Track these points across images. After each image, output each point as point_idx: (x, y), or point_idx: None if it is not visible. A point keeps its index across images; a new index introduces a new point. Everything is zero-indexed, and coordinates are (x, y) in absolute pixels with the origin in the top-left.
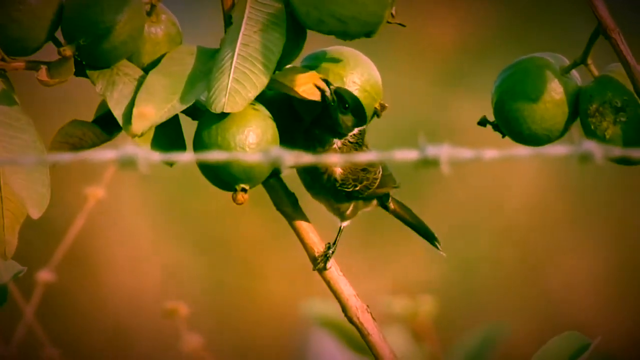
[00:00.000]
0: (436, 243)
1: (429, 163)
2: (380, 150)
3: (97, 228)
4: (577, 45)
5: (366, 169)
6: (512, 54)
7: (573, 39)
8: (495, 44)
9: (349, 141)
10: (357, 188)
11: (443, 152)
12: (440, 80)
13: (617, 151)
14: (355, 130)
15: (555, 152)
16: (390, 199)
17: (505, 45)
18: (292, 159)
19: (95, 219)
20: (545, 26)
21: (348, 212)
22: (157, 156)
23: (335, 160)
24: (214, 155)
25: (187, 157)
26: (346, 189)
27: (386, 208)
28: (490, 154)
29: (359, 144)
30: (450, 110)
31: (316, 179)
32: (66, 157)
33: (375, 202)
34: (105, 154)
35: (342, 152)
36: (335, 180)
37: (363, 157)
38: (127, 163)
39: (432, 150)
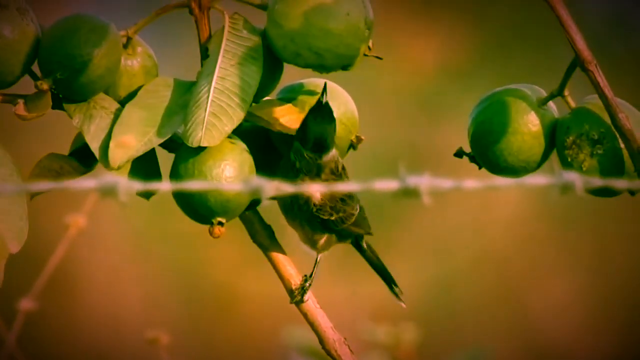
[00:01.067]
0: (396, 290)
1: (409, 193)
2: (360, 180)
3: (78, 256)
4: (558, 70)
5: (345, 200)
6: (495, 80)
7: (554, 62)
8: (477, 69)
9: (328, 170)
10: (333, 218)
11: (423, 182)
12: (422, 106)
13: (598, 181)
14: (326, 159)
15: (536, 182)
16: (363, 240)
17: (487, 71)
18: (273, 188)
19: (77, 247)
20: (528, 52)
21: (321, 242)
22: (137, 185)
23: (315, 189)
24: (193, 185)
25: (167, 186)
26: (322, 216)
27: (360, 248)
28: (470, 184)
29: (338, 173)
30: (432, 137)
31: (294, 202)
32: (47, 185)
33: (349, 240)
34: (86, 182)
35: (323, 179)
36: (313, 204)
37: (343, 187)
38: (108, 192)
39: (412, 180)
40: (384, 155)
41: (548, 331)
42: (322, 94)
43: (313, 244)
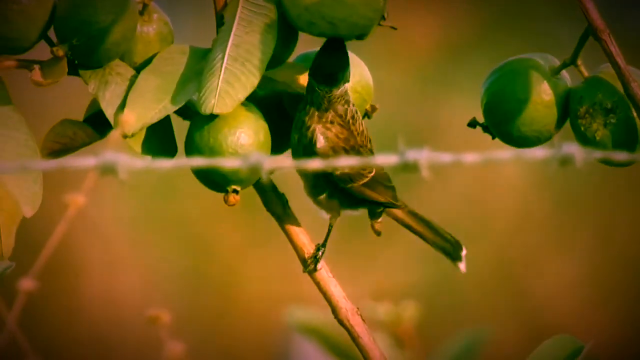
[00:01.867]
0: (457, 262)
1: (408, 168)
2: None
3: (78, 235)
4: (562, 46)
5: (354, 152)
6: (497, 55)
7: (558, 40)
8: (480, 44)
9: (338, 112)
10: (338, 172)
11: (423, 156)
12: (424, 82)
13: (598, 154)
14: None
15: (535, 155)
16: (400, 209)
17: (490, 46)
18: (272, 163)
19: (76, 225)
20: (530, 27)
21: (321, 198)
22: (138, 163)
23: (317, 165)
24: (195, 161)
25: (168, 163)
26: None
27: (374, 216)
28: (470, 157)
29: (346, 120)
30: (434, 113)
31: (300, 141)
32: (47, 164)
33: (359, 209)
34: (85, 160)
35: (330, 119)
36: (316, 147)
37: (343, 162)
38: (108, 169)
39: (411, 155)
40: (384, 132)
41: (548, 311)
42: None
43: (315, 199)
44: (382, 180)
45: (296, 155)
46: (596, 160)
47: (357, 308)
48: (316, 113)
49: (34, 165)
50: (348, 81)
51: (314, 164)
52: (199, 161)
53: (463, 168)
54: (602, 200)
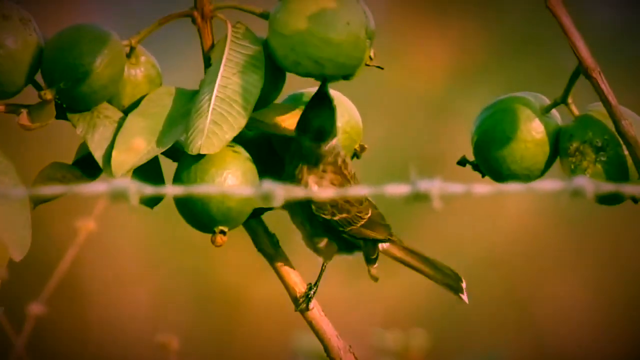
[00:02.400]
0: (459, 294)
1: (420, 197)
2: (370, 185)
3: (88, 261)
4: (566, 77)
5: (349, 200)
6: (503, 85)
7: (563, 69)
8: (486, 74)
9: (329, 161)
10: (336, 218)
11: (434, 186)
12: (432, 111)
13: (609, 186)
14: (327, 148)
15: (547, 187)
16: (397, 246)
17: (496, 76)
18: (284, 192)
19: (86, 251)
20: (535, 57)
21: (321, 245)
22: (148, 189)
23: (327, 194)
24: (202, 189)
25: (177, 190)
26: (322, 215)
27: (370, 261)
28: (481, 188)
29: (337, 165)
30: (441, 142)
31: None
32: (58, 189)
33: (355, 252)
34: (96, 186)
35: (321, 170)
36: (312, 202)
37: (356, 191)
38: (119, 196)
39: (423, 185)
40: (392, 161)
41: (556, 336)
42: (323, 84)
43: (314, 246)
44: (378, 219)
45: (291, 209)
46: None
47: (350, 346)
48: (305, 167)
49: (45, 191)
50: (336, 135)
51: (326, 193)
52: (207, 189)
53: (471, 198)
54: (606, 225)
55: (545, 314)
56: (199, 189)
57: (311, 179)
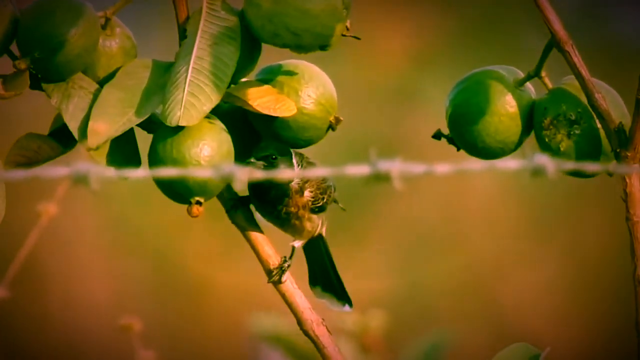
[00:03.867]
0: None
1: (380, 178)
2: (331, 166)
3: (49, 244)
4: (530, 56)
5: (324, 179)
6: (465, 65)
7: (524, 50)
8: (448, 55)
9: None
10: (325, 200)
11: (395, 167)
12: (393, 92)
13: (570, 165)
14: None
15: (508, 166)
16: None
17: (458, 57)
18: (245, 174)
19: (48, 234)
20: (497, 37)
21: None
22: (110, 172)
23: (289, 175)
24: (166, 172)
25: (140, 173)
26: (319, 205)
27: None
28: (442, 168)
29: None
30: (403, 123)
31: (283, 210)
32: (19, 174)
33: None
34: (57, 170)
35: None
36: (311, 201)
37: (316, 172)
38: (80, 179)
39: (383, 165)
40: (354, 143)
41: (515, 318)
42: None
43: (304, 233)
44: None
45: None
46: (566, 172)
47: (323, 319)
48: (292, 208)
49: (5, 175)
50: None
51: (285, 174)
52: (170, 171)
53: (434, 178)
54: (569, 207)
55: (506, 295)
56: (162, 172)
57: (300, 212)
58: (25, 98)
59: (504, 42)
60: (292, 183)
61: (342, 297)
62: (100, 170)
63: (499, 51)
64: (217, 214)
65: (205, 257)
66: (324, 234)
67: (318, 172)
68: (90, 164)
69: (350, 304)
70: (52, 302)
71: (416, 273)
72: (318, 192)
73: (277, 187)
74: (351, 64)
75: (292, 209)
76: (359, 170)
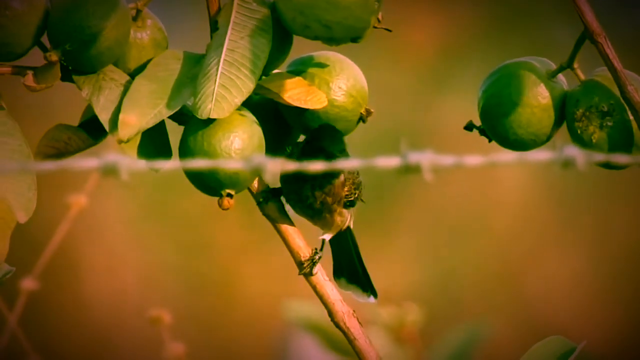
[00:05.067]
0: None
1: (410, 170)
2: (361, 157)
3: (79, 235)
4: (559, 49)
5: (354, 172)
6: (495, 58)
7: (555, 42)
8: (478, 47)
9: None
10: (356, 195)
11: (425, 158)
12: (423, 84)
13: (600, 157)
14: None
15: (538, 157)
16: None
17: (488, 49)
18: (275, 166)
19: (78, 226)
20: (528, 29)
21: (347, 216)
22: (140, 164)
23: (318, 167)
24: (196, 163)
25: (170, 164)
26: (351, 200)
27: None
28: (472, 160)
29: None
30: (433, 114)
31: (319, 210)
32: (49, 165)
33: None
34: (87, 162)
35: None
36: (346, 195)
37: (347, 164)
38: (110, 171)
39: (414, 157)
40: (384, 134)
41: (546, 310)
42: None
43: (334, 227)
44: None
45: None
46: (596, 163)
47: (354, 310)
48: (329, 198)
49: (35, 167)
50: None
51: (317, 166)
52: (200, 163)
53: (464, 171)
54: (600, 199)
55: (537, 287)
56: (192, 163)
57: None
58: (56, 89)
59: (535, 34)
60: (340, 176)
61: (367, 287)
62: (131, 162)
63: (530, 43)
64: (245, 204)
65: (236, 249)
66: (351, 227)
67: (348, 163)
68: (120, 155)
69: (375, 295)
70: (82, 294)
71: (446, 264)
72: (352, 187)
73: (325, 176)
74: (382, 55)
75: (329, 200)
76: (389, 162)
